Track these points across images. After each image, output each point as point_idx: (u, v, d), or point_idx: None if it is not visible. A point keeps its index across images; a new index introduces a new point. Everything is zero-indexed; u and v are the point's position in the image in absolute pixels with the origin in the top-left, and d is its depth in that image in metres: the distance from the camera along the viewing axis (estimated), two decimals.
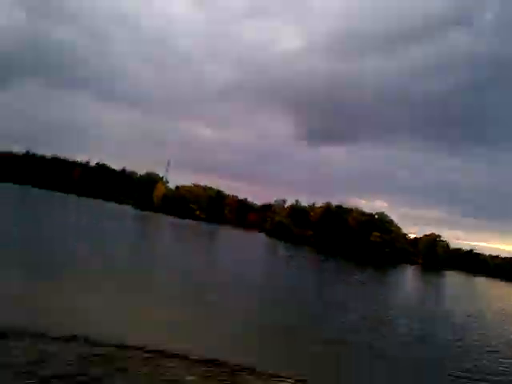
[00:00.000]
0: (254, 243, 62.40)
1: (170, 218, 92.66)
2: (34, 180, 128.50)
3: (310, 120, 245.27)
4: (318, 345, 10.15)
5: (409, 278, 55.02)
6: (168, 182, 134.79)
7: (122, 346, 5.24)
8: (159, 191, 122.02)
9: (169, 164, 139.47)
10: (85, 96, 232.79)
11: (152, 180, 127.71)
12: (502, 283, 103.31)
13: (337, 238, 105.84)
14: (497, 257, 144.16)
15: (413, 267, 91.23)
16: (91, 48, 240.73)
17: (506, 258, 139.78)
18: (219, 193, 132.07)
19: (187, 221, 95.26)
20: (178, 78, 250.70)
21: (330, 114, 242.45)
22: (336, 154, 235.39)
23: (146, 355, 5.18)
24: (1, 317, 6.59)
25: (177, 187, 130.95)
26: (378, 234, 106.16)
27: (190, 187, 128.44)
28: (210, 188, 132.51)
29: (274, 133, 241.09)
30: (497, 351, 13.53)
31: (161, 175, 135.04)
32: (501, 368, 11.92)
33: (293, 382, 5.59)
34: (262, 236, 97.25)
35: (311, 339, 10.71)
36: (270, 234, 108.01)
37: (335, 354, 9.98)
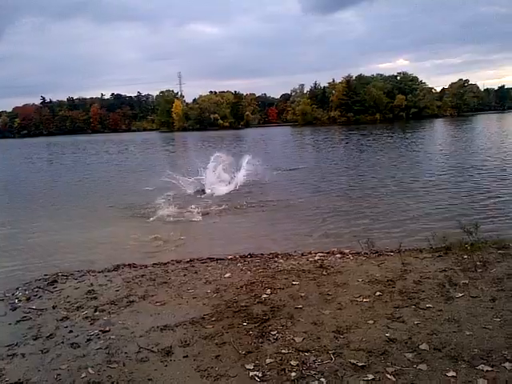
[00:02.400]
0: (279, 137, 63.44)
1: (195, 133, 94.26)
2: (58, 128, 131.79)
3: None
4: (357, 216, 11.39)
5: (430, 133, 55.60)
6: (184, 97, 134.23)
7: (161, 264, 6.67)
8: (177, 108, 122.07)
9: (180, 77, 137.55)
10: (83, 22, 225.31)
11: (168, 99, 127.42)
12: None
13: (362, 111, 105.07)
14: None
15: (442, 120, 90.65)
16: None
17: None
18: (237, 95, 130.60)
19: (212, 132, 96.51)
20: None
21: None
22: (351, 19, 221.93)
23: (184, 265, 6.80)
24: (44, 264, 8.00)
25: (194, 100, 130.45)
26: (402, 96, 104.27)
27: (208, 97, 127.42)
28: (228, 92, 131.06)
29: (282, 12, 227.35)
30: None
31: (176, 91, 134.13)
32: None
33: (322, 254, 6.55)
34: (285, 128, 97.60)
35: (352, 212, 11.90)
36: (293, 124, 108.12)
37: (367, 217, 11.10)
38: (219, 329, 4.30)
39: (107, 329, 4.47)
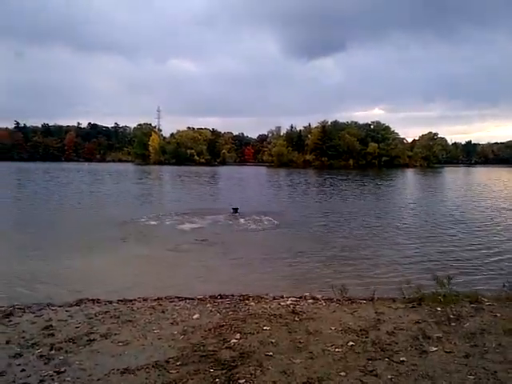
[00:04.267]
0: (254, 176, 63.91)
1: (170, 168, 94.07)
2: (30, 154, 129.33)
3: (299, 34, 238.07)
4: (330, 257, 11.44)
5: (403, 180, 57.21)
6: (161, 131, 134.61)
7: (127, 300, 6.31)
8: (154, 142, 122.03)
9: (159, 111, 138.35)
10: (62, 51, 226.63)
11: (145, 132, 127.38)
12: (503, 169, 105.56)
13: (336, 156, 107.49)
14: (496, 143, 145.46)
15: (412, 170, 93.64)
16: None
17: (506, 143, 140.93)
18: (214, 133, 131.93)
19: (187, 168, 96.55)
20: (153, 14, 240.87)
21: (317, 21, 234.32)
22: (328, 67, 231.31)
23: (152, 304, 6.54)
24: (3, 294, 7.61)
25: (171, 134, 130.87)
26: (374, 144, 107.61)
27: (185, 132, 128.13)
28: (205, 129, 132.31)
29: (263, 54, 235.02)
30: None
31: (154, 125, 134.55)
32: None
33: (294, 299, 6.32)
34: (261, 168, 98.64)
35: (323, 254, 11.89)
36: (269, 164, 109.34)
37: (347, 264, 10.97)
38: (184, 374, 4.05)
39: (62, 370, 4.14)
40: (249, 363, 4.28)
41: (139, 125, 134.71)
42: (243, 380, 3.95)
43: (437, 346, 4.47)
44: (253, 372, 4.10)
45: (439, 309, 5.52)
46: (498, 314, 5.35)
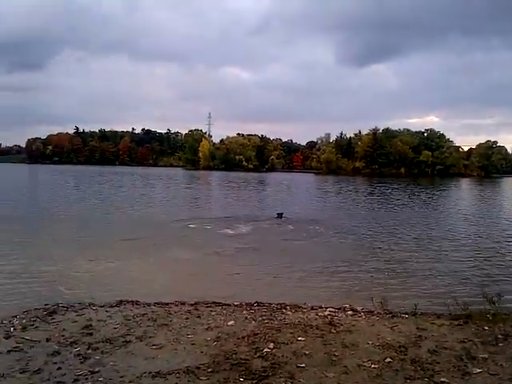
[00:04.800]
0: (302, 183, 63.49)
1: (218, 173, 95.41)
2: (87, 158, 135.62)
3: (353, 40, 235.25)
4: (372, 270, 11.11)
5: (457, 190, 54.86)
6: (211, 137, 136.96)
7: (164, 304, 6.41)
8: (204, 148, 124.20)
9: (210, 117, 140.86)
10: (120, 59, 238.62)
11: (196, 137, 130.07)
12: None
13: (387, 164, 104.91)
14: None
15: (467, 179, 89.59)
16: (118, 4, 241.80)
17: None
18: (263, 139, 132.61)
19: (235, 173, 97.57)
20: (209, 21, 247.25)
21: (373, 27, 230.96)
22: (381, 73, 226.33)
23: (188, 308, 6.57)
24: (46, 293, 7.91)
25: (221, 140, 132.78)
26: (428, 152, 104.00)
27: (235, 138, 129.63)
28: (255, 135, 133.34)
29: (315, 61, 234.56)
30: None
31: (204, 130, 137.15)
32: None
33: (333, 309, 6.18)
34: (309, 175, 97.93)
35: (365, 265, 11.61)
36: (317, 171, 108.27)
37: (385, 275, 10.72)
38: (214, 382, 4.02)
39: (97, 370, 4.23)
40: (280, 374, 4.18)
41: (190, 131, 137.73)
42: None
43: (481, 368, 4.18)
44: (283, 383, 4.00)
45: (486, 328, 5.18)
46: None
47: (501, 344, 4.75)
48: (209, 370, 4.25)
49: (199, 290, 8.43)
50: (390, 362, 4.39)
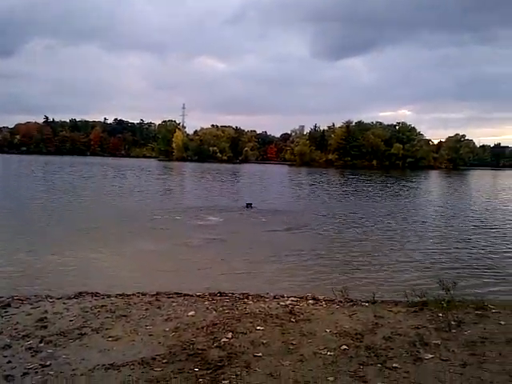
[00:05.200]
0: (275, 175, 63.70)
1: (192, 164, 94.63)
2: (57, 148, 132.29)
3: (328, 33, 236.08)
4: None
5: (426, 183, 56.15)
6: (185, 128, 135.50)
7: (126, 295, 6.28)
8: (178, 139, 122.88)
9: (184, 108, 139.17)
10: (92, 48, 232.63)
11: (170, 128, 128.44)
12: None
13: (359, 156, 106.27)
14: None
15: (437, 172, 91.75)
16: None
17: None
18: (237, 131, 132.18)
19: (209, 164, 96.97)
20: (184, 11, 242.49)
21: (348, 20, 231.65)
22: (356, 67, 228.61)
23: (149, 299, 6.38)
24: (2, 286, 7.59)
25: (195, 132, 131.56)
26: (399, 145, 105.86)
27: (209, 130, 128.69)
28: (229, 127, 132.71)
29: (290, 53, 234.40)
30: None
31: (178, 121, 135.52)
32: None
33: (295, 299, 6.16)
34: (283, 167, 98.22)
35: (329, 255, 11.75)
36: (291, 163, 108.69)
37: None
38: (168, 373, 3.96)
39: (48, 363, 4.11)
40: (236, 364, 4.17)
41: (164, 121, 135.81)
42: (227, 381, 3.84)
43: (433, 354, 4.26)
44: (239, 373, 3.99)
45: (441, 315, 5.29)
46: (503, 322, 5.08)
47: (453, 330, 4.86)
48: (164, 361, 4.20)
49: (163, 281, 8.35)
50: (345, 349, 4.43)
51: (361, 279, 9.25)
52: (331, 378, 3.84)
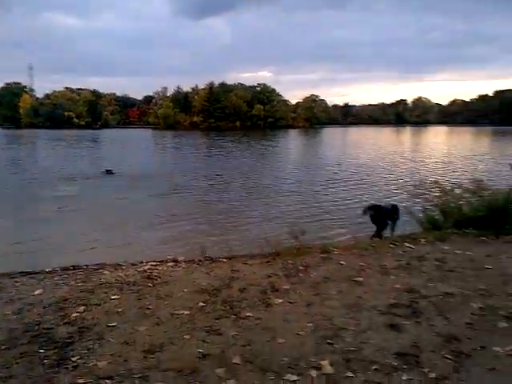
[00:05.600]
0: (139, 139, 61.35)
1: (45, 131, 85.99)
2: None
3: None
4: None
5: (286, 141, 59.62)
6: (34, 91, 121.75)
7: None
8: (26, 103, 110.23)
9: (31, 69, 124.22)
10: None
11: (15, 92, 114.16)
12: (374, 128, 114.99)
13: (223, 118, 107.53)
14: (370, 105, 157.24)
15: (295, 130, 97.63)
16: None
17: (378, 105, 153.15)
18: (95, 93, 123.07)
19: (65, 131, 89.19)
20: None
21: None
22: (218, 27, 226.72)
23: None
24: None
25: (47, 95, 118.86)
26: (260, 106, 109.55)
27: (62, 93, 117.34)
28: (85, 89, 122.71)
29: (148, 12, 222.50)
30: None
31: (25, 84, 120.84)
32: None
33: (154, 263, 6.04)
34: (147, 131, 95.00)
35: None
36: (155, 127, 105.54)
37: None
38: (8, 359, 3.58)
39: None
40: (88, 337, 3.94)
41: (8, 84, 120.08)
42: (77, 357, 3.62)
43: (283, 298, 4.55)
44: (91, 346, 3.78)
45: (291, 262, 5.67)
46: (343, 262, 5.64)
47: (301, 274, 5.25)
48: (3, 347, 3.79)
49: (7, 262, 7.50)
50: (202, 306, 4.48)
51: (220, 236, 9.49)
52: (187, 337, 3.87)
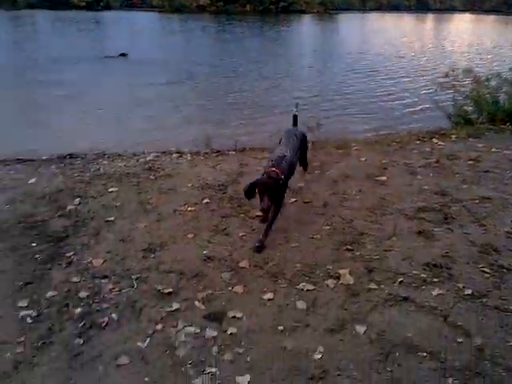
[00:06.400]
0: (146, 23, 57.73)
1: (43, 12, 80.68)
2: None
3: None
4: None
5: (302, 27, 56.03)
6: None
7: None
8: None
9: None
10: None
11: None
12: (392, 15, 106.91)
13: (232, 1, 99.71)
14: None
15: (309, 16, 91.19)
16: None
17: None
18: None
19: (64, 13, 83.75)
20: None
21: None
22: None
23: None
24: None
25: None
26: None
27: None
28: None
29: None
30: None
31: None
32: None
33: (156, 154, 5.67)
34: (153, 14, 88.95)
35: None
36: (160, 10, 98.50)
37: None
38: None
39: None
40: (84, 232, 3.65)
41: None
42: (72, 253, 3.34)
43: (296, 197, 4.16)
44: (86, 242, 3.49)
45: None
46: (363, 159, 5.14)
47: (316, 171, 4.79)
48: None
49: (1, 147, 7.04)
50: (207, 202, 4.13)
51: (229, 128, 8.87)
52: (190, 236, 3.55)
